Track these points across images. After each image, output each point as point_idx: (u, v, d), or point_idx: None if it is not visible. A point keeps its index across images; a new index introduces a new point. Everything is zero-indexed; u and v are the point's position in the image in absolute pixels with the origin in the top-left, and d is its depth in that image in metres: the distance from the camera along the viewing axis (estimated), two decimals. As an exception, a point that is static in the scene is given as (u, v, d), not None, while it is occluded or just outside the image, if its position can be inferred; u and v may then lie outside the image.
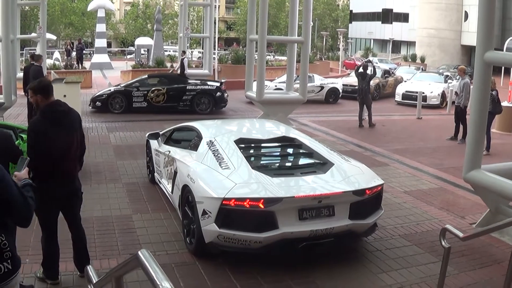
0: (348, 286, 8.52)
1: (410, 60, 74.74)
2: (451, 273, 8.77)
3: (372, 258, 9.60)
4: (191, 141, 11.50)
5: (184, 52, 38.26)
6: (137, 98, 26.78)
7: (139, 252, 4.12)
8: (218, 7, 59.21)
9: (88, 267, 5.65)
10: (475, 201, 12.81)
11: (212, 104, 27.46)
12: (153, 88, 27.24)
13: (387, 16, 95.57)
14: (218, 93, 27.56)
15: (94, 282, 5.38)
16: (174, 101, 27.25)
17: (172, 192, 11.27)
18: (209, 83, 28.68)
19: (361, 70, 25.55)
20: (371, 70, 25.67)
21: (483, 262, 9.58)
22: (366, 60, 29.82)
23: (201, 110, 27.18)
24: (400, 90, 35.80)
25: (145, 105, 27.04)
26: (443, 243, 7.33)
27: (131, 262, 4.36)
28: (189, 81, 28.47)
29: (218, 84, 28.13)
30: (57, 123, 7.80)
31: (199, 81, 28.83)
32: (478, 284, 8.76)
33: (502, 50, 33.86)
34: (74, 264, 8.49)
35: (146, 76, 30.20)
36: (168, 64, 45.77)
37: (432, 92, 34.20)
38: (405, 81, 38.91)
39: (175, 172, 10.91)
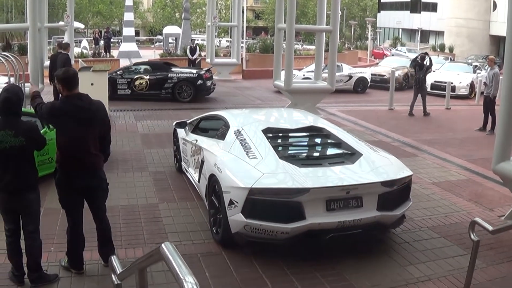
0: (375, 278, 8.44)
1: (438, 50, 74.42)
2: (479, 266, 8.66)
3: (400, 250, 9.52)
4: (218, 130, 11.46)
5: (192, 40, 38.56)
6: (121, 86, 26.81)
7: (163, 245, 4.07)
8: (247, -4, 59.05)
9: (112, 257, 5.63)
10: (504, 193, 12.69)
11: (193, 92, 27.33)
12: (136, 76, 27.35)
13: (415, 5, 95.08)
14: (199, 81, 27.37)
15: (118, 273, 5.35)
16: (156, 89, 27.27)
17: (198, 181, 11.24)
18: (192, 71, 28.62)
19: (418, 60, 26.11)
20: (427, 61, 26.04)
21: (511, 256, 9.46)
22: (423, 52, 30.06)
23: (182, 98, 27.17)
24: (429, 80, 35.53)
25: (128, 93, 27.16)
26: (472, 236, 7.23)
27: (155, 255, 4.32)
28: (172, 69, 28.34)
29: (200, 72, 27.97)
30: (73, 117, 7.76)
31: (181, 69, 28.82)
32: (507, 278, 8.65)
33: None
34: (99, 254, 8.49)
35: (133, 63, 30.57)
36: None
37: (460, 82, 33.96)
38: (433, 71, 38.67)
39: (202, 161, 10.88)
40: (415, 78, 26.52)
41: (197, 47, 38.78)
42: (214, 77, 35.38)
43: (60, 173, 7.88)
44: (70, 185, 7.88)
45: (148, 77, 27.29)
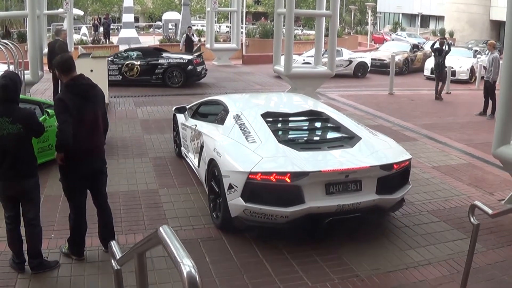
0: (375, 262, 8.45)
1: (439, 34, 74.17)
2: (479, 250, 8.68)
3: (400, 234, 9.53)
4: (217, 115, 11.45)
5: (190, 28, 38.34)
6: (112, 72, 26.43)
7: (160, 229, 4.06)
8: (246, -19, 58.89)
9: (111, 242, 5.63)
10: (504, 177, 12.69)
11: (183, 77, 27.25)
12: (127, 62, 27.29)
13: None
14: (190, 67, 27.30)
15: (118, 258, 5.36)
16: (147, 75, 27.24)
17: (198, 166, 11.25)
18: (182, 56, 28.49)
19: (437, 46, 26.97)
20: (446, 46, 26.85)
21: (511, 240, 9.47)
22: (441, 37, 30.33)
23: (172, 84, 27.13)
24: (429, 64, 35.51)
25: (120, 78, 27.08)
26: (472, 219, 7.21)
27: (152, 239, 4.32)
28: (163, 54, 28.22)
29: (191, 58, 27.87)
30: (83, 97, 7.76)
31: (171, 55, 28.63)
32: (507, 262, 8.66)
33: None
34: (99, 240, 8.51)
35: (123, 50, 30.59)
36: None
37: (461, 67, 33.99)
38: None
39: (202, 146, 10.88)
40: (435, 63, 27.11)
41: (194, 35, 38.27)
42: (213, 62, 35.21)
43: (68, 159, 7.84)
44: (78, 171, 7.88)
45: (139, 63, 27.27)
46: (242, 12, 41.02)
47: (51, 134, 9.35)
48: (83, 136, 7.77)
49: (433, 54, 27.93)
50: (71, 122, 7.59)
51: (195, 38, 38.14)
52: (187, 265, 3.57)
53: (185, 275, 3.51)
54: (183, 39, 37.43)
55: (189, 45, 35.81)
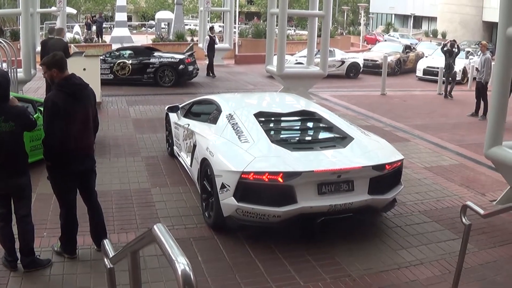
0: (367, 262, 8.46)
1: (431, 35, 74.48)
2: (471, 250, 8.71)
3: (392, 234, 9.55)
4: (210, 114, 11.45)
5: (212, 29, 35.33)
6: (104, 71, 26.09)
7: (155, 227, 4.07)
8: (239, -19, 58.82)
9: (104, 241, 5.62)
10: (496, 178, 12.72)
11: (175, 77, 27.23)
12: (118, 61, 27.23)
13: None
14: (181, 66, 27.26)
15: (110, 256, 5.35)
16: (138, 74, 27.17)
17: (191, 165, 11.25)
18: (174, 56, 28.29)
19: (447, 47, 28.25)
20: (456, 48, 28.25)
21: (503, 240, 9.49)
22: (452, 39, 30.73)
23: (164, 83, 27.08)
24: (421, 65, 35.74)
25: (111, 77, 26.97)
26: (463, 220, 7.24)
27: (147, 237, 4.32)
28: (154, 54, 28.14)
29: (182, 57, 27.77)
30: (75, 97, 7.73)
31: (163, 54, 28.49)
32: (498, 262, 8.69)
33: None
34: (91, 238, 8.50)
35: (115, 49, 30.50)
36: (189, 38, 45.73)
37: (453, 68, 34.11)
38: (426, 57, 38.79)
39: (194, 146, 10.89)
40: (445, 64, 27.97)
41: (216, 37, 35.81)
42: (206, 62, 35.09)
43: (59, 158, 7.82)
44: (69, 170, 7.86)
45: (130, 62, 27.21)
46: (235, 11, 41.05)
47: (43, 133, 9.34)
48: (74, 136, 7.75)
49: (444, 55, 28.61)
50: (58, 132, 7.63)
51: (217, 41, 36.49)
52: (181, 263, 3.58)
53: (179, 273, 3.51)
54: (206, 41, 33.79)
55: (211, 49, 32.94)
